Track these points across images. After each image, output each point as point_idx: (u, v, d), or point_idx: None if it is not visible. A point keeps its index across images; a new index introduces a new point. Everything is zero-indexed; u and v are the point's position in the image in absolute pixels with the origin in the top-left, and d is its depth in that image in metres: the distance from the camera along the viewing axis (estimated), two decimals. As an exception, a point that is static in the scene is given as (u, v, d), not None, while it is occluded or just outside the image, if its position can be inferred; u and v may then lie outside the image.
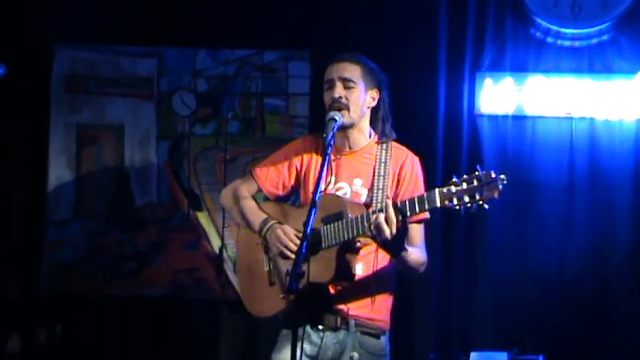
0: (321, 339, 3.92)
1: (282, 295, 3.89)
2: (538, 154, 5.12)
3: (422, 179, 4.03)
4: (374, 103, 4.05)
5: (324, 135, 3.80)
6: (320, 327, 3.91)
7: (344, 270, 3.84)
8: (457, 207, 3.60)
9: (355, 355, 3.91)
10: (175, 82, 5.40)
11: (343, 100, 3.95)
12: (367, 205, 3.92)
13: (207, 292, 5.33)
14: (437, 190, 3.65)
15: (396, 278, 4.02)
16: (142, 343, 5.31)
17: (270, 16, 5.30)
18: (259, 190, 4.13)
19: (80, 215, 5.41)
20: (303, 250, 3.49)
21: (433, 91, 5.14)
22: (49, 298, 5.38)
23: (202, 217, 5.37)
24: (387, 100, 4.08)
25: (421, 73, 5.14)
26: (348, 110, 3.95)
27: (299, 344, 3.60)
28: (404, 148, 4.06)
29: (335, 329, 3.92)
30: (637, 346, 4.97)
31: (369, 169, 3.99)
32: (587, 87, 5.08)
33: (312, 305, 3.75)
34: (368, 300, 3.94)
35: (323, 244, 3.84)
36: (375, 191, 3.93)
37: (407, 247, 3.82)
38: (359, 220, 3.77)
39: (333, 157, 3.90)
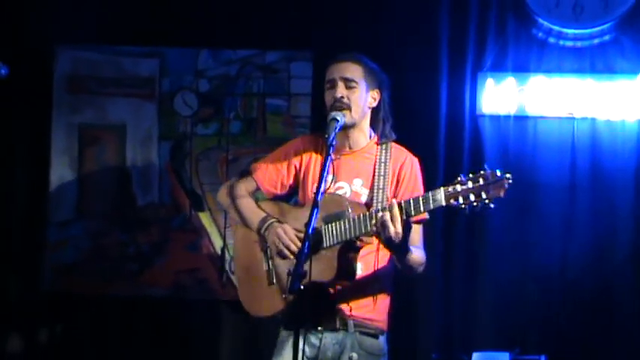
0: (320, 340, 3.92)
1: (283, 295, 3.89)
2: (540, 154, 5.12)
3: (421, 180, 4.04)
4: (375, 104, 4.05)
5: (326, 135, 3.80)
6: (319, 328, 3.91)
7: (345, 269, 3.85)
8: (462, 206, 3.61)
9: (354, 355, 3.91)
10: (177, 82, 5.39)
11: (345, 100, 3.96)
12: (368, 204, 3.92)
13: (208, 293, 5.33)
14: (442, 188, 3.65)
15: (393, 278, 4.03)
16: (144, 343, 5.31)
17: (271, 16, 5.30)
18: (257, 189, 4.13)
19: (82, 215, 5.41)
20: (305, 250, 3.49)
21: (435, 92, 5.14)
22: (51, 298, 5.38)
23: (204, 218, 5.36)
24: (388, 100, 4.09)
25: (423, 73, 5.14)
26: (350, 110, 3.96)
27: (300, 344, 3.59)
28: (403, 149, 4.07)
29: (334, 330, 3.92)
30: (639, 346, 4.96)
31: (369, 169, 3.99)
32: (589, 87, 5.07)
33: (312, 305, 3.75)
34: (367, 300, 3.94)
35: (324, 244, 3.84)
36: (376, 191, 3.94)
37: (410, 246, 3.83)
38: (362, 219, 3.77)
39: (333, 157, 3.90)
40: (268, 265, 3.99)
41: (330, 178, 3.88)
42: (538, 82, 5.10)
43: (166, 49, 5.39)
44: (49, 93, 5.43)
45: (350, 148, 4.04)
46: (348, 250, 3.85)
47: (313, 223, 3.56)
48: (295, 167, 4.09)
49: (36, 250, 5.40)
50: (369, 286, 3.94)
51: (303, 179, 4.07)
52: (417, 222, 3.93)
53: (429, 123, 5.13)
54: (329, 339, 3.92)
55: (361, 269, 3.91)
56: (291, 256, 3.88)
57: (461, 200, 3.62)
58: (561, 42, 5.16)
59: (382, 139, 4.04)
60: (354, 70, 4.00)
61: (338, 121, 3.87)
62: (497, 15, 5.15)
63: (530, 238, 5.08)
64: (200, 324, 5.33)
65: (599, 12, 5.06)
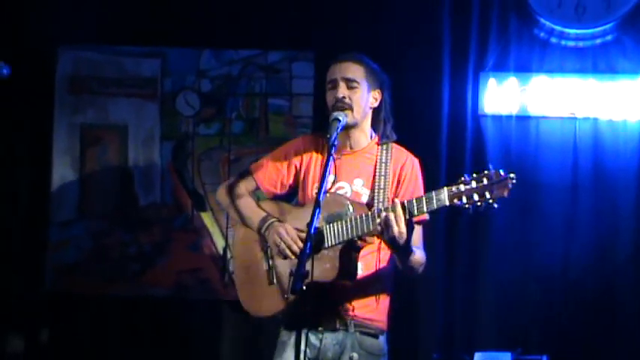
0: (321, 341, 3.91)
1: (285, 295, 3.89)
2: (542, 154, 5.12)
3: (421, 181, 4.03)
4: (376, 104, 4.05)
5: (328, 135, 3.80)
6: (319, 328, 3.90)
7: (347, 269, 3.84)
8: (466, 206, 3.61)
9: (355, 355, 3.90)
10: (179, 82, 5.40)
11: (347, 100, 3.95)
12: (369, 204, 3.91)
13: (210, 293, 5.33)
14: (446, 188, 3.65)
15: (394, 279, 4.02)
16: (146, 343, 5.31)
17: (273, 16, 5.30)
18: (257, 188, 4.12)
19: (84, 215, 5.41)
20: (308, 251, 3.49)
21: (437, 92, 5.14)
22: (52, 298, 5.38)
23: (206, 218, 5.36)
24: (389, 100, 4.08)
25: (425, 73, 5.14)
26: (352, 110, 3.95)
27: (302, 344, 3.58)
28: (404, 150, 4.06)
29: (334, 330, 3.91)
30: (641, 345, 4.98)
31: (370, 170, 3.99)
32: (591, 87, 5.08)
33: (312, 306, 3.75)
34: (367, 300, 3.94)
35: (326, 243, 3.84)
36: (377, 191, 3.93)
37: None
38: (364, 218, 3.77)
39: (335, 157, 3.90)
40: (268, 265, 3.98)
41: (331, 178, 3.88)
42: (540, 82, 5.11)
43: (168, 49, 5.39)
44: (50, 93, 5.43)
45: (351, 148, 4.03)
46: (350, 250, 3.85)
47: (315, 223, 3.55)
48: (295, 167, 4.09)
49: (37, 250, 5.40)
50: (369, 286, 3.93)
51: (303, 179, 4.06)
52: (418, 222, 3.91)
53: (431, 123, 5.13)
54: (329, 339, 3.91)
55: (362, 269, 3.90)
56: (293, 257, 3.88)
57: (464, 200, 3.62)
58: (563, 42, 5.16)
59: (383, 140, 4.04)
60: (355, 71, 4.00)
61: (340, 121, 3.86)
62: (499, 15, 5.15)
63: (532, 238, 5.08)
64: (202, 324, 5.33)
65: (602, 12, 5.06)
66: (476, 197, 3.60)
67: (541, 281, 5.06)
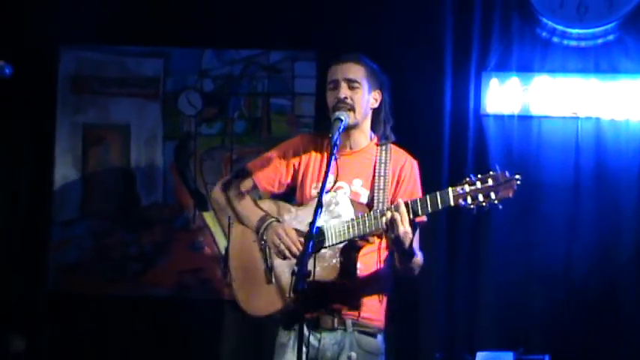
0: (319, 341, 3.92)
1: (287, 295, 3.88)
2: (544, 154, 5.12)
3: (419, 183, 4.03)
4: (376, 105, 4.06)
5: (330, 135, 3.81)
6: (318, 328, 3.91)
7: (347, 269, 3.85)
8: (471, 206, 3.61)
9: (353, 354, 3.91)
10: (181, 81, 5.40)
11: (349, 101, 3.96)
12: (368, 205, 3.92)
13: (212, 293, 5.33)
14: (450, 189, 3.66)
15: (391, 279, 4.02)
16: (147, 343, 5.30)
17: (273, 16, 5.30)
18: (255, 187, 4.12)
19: (86, 215, 5.41)
20: (310, 250, 3.49)
21: (439, 91, 5.14)
22: (54, 297, 5.38)
23: (208, 217, 5.36)
24: (388, 101, 4.09)
25: (427, 73, 5.14)
26: (354, 111, 3.96)
27: (302, 343, 3.58)
28: (403, 151, 4.07)
29: (332, 329, 3.92)
30: (643, 345, 4.97)
31: (369, 170, 3.99)
32: (593, 87, 5.07)
33: (311, 305, 3.75)
34: (366, 299, 3.94)
35: (326, 243, 3.84)
36: (376, 191, 3.94)
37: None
38: (366, 218, 3.77)
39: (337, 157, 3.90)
40: (267, 264, 3.98)
41: (331, 178, 3.88)
42: (542, 81, 5.10)
43: (170, 49, 5.40)
44: (52, 93, 5.43)
45: (350, 148, 4.04)
46: (350, 249, 3.86)
47: (316, 222, 3.55)
48: (294, 166, 4.09)
49: (39, 249, 5.40)
50: (368, 286, 3.94)
51: (301, 178, 4.07)
52: (416, 223, 3.93)
53: (433, 123, 5.13)
54: (328, 339, 3.91)
55: (361, 269, 3.91)
56: (292, 258, 3.88)
57: (469, 201, 3.62)
58: (565, 42, 5.16)
59: (382, 140, 4.04)
60: (356, 71, 4.00)
61: (342, 120, 3.87)
62: (501, 15, 5.15)
63: (533, 237, 5.08)
64: (203, 324, 5.32)
65: (604, 12, 5.06)
66: (481, 198, 3.61)
67: (543, 281, 5.06)
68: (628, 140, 5.06)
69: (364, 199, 3.95)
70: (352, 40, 5.02)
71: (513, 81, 5.12)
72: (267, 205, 4.07)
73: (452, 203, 3.65)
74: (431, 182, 4.09)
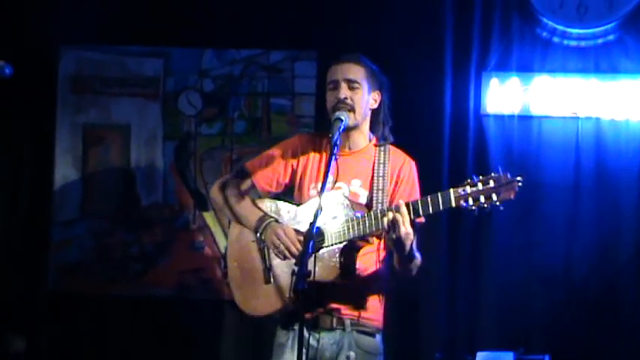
0: (318, 341, 3.92)
1: (287, 295, 3.88)
2: (544, 154, 5.12)
3: (417, 184, 4.03)
4: (375, 105, 4.06)
5: (330, 135, 3.81)
6: (316, 328, 3.91)
7: (346, 269, 3.85)
8: (472, 208, 3.61)
9: (352, 354, 3.91)
10: (181, 81, 5.40)
11: (349, 101, 3.96)
12: (367, 205, 3.93)
13: (212, 293, 5.32)
14: (452, 190, 3.66)
15: (390, 279, 4.02)
16: (148, 343, 5.30)
17: (273, 16, 5.30)
18: (253, 187, 4.11)
19: (86, 215, 5.41)
20: (310, 250, 3.49)
21: (439, 91, 5.14)
22: (55, 298, 5.38)
23: (208, 217, 5.36)
24: (388, 102, 4.09)
25: (427, 73, 5.14)
26: (354, 112, 3.96)
27: (302, 344, 3.58)
28: (401, 152, 4.07)
29: (331, 329, 3.92)
30: (643, 345, 4.97)
31: (368, 170, 3.99)
32: (593, 87, 5.07)
33: (310, 305, 3.75)
34: (364, 299, 3.94)
35: (326, 243, 3.84)
36: (375, 192, 3.94)
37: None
38: (367, 218, 3.77)
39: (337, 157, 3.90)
40: (265, 264, 3.98)
41: (330, 178, 3.88)
42: (542, 81, 5.10)
43: (170, 49, 5.40)
44: (53, 93, 5.43)
45: (349, 148, 4.04)
46: (350, 249, 3.86)
47: (317, 222, 3.55)
48: (292, 166, 4.08)
49: (40, 249, 5.40)
50: (367, 286, 3.94)
51: (300, 178, 4.07)
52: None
53: (433, 123, 5.13)
54: (326, 339, 3.91)
55: (360, 269, 3.91)
56: (292, 258, 3.88)
57: (471, 202, 3.62)
58: (565, 42, 5.16)
59: (381, 141, 4.05)
60: (356, 72, 4.01)
61: (342, 120, 3.87)
62: (501, 15, 5.15)
63: (534, 237, 5.08)
64: (204, 324, 5.32)
65: (604, 12, 5.06)
66: (482, 199, 3.61)
67: (543, 281, 5.05)
68: (628, 140, 5.06)
69: (363, 200, 3.95)
70: (352, 40, 5.02)
71: (513, 81, 5.12)
72: (266, 204, 4.07)
73: (453, 204, 3.65)
74: (431, 182, 4.09)
